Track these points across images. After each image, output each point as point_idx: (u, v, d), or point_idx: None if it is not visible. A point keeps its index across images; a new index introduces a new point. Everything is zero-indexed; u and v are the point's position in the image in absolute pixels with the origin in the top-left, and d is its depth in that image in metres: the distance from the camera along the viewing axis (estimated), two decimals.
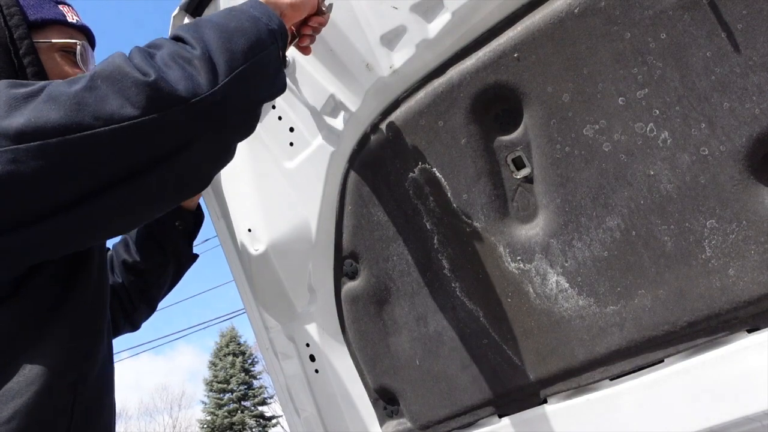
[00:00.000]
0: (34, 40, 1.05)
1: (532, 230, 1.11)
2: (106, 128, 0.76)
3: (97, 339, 0.95)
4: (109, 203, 0.80)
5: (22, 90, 0.79)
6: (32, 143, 0.74)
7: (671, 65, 0.94)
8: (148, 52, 0.83)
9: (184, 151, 0.81)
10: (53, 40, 1.08)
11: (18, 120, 0.75)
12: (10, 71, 1.01)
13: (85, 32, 1.16)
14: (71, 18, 1.14)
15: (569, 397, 1.12)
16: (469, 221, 1.16)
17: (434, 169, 1.18)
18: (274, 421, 24.18)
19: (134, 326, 1.44)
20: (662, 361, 1.02)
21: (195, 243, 1.45)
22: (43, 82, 0.81)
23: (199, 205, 1.50)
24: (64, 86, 0.78)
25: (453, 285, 1.20)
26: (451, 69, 1.14)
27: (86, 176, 0.78)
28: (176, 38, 0.88)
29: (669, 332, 0.99)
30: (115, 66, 0.79)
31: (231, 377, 24.21)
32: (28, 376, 0.82)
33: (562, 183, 1.06)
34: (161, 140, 0.79)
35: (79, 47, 1.12)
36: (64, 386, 0.86)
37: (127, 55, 0.83)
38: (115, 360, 1.06)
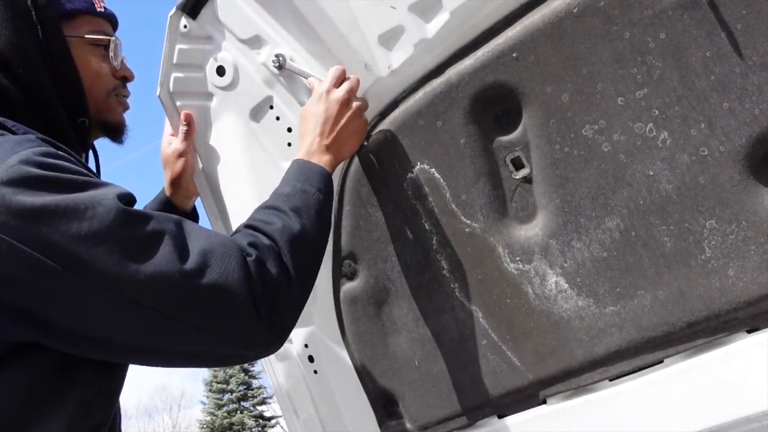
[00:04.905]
0: (66, 34, 1.00)
1: (531, 231, 1.11)
2: (195, 328, 0.81)
3: (123, 379, 0.94)
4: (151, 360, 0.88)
5: (138, 236, 0.80)
6: (143, 306, 0.77)
7: (671, 65, 0.94)
8: (262, 265, 0.88)
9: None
10: (86, 36, 1.04)
11: (136, 273, 0.77)
12: (40, 69, 0.96)
13: (110, 20, 1.13)
14: (99, 6, 1.09)
15: (569, 397, 1.11)
16: (468, 222, 1.16)
17: (433, 170, 1.18)
18: (273, 421, 24.16)
19: None
20: (662, 361, 1.02)
21: None
22: (155, 229, 0.81)
23: (194, 208, 1.49)
24: (182, 270, 0.80)
25: (452, 286, 1.20)
26: (449, 69, 1.13)
27: (166, 341, 0.83)
28: (283, 239, 0.94)
29: (668, 333, 0.99)
30: (237, 285, 0.83)
31: (230, 377, 24.19)
32: (53, 422, 0.80)
33: (561, 183, 1.06)
34: (231, 348, 0.87)
35: (112, 44, 1.08)
36: (87, 428, 0.84)
37: (246, 247, 0.89)
38: None
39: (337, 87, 1.16)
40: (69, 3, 1.04)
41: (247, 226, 0.97)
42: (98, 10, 1.09)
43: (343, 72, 1.18)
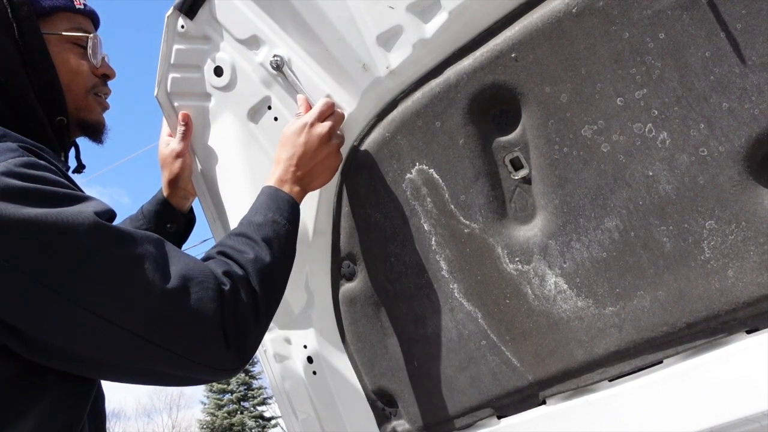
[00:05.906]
0: (43, 32, 1.00)
1: (531, 231, 1.11)
2: (165, 350, 0.82)
3: (96, 380, 0.94)
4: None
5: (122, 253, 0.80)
6: (118, 325, 0.78)
7: (670, 65, 0.93)
8: (236, 295, 0.90)
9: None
10: (63, 33, 1.04)
11: (114, 292, 0.78)
12: (16, 67, 0.96)
13: (91, 17, 1.12)
14: (78, 3, 1.09)
15: (568, 398, 1.11)
16: (467, 222, 1.16)
17: (432, 170, 1.18)
18: (273, 422, 24.14)
19: None
20: (661, 362, 1.02)
21: (192, 245, 1.46)
22: (136, 250, 0.82)
23: (191, 209, 1.49)
24: (161, 292, 0.81)
25: (451, 286, 1.20)
26: (448, 69, 1.13)
27: (120, 359, 0.83)
28: (254, 273, 0.96)
29: (668, 333, 0.99)
30: (211, 313, 0.85)
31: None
32: (25, 421, 0.79)
33: (560, 184, 1.06)
34: (194, 371, 0.88)
35: (90, 41, 1.08)
36: (58, 427, 0.84)
37: (220, 276, 0.90)
38: None
39: (321, 122, 1.19)
40: (46, 0, 1.03)
41: (221, 252, 0.99)
42: (77, 7, 1.09)
43: (331, 106, 1.21)
